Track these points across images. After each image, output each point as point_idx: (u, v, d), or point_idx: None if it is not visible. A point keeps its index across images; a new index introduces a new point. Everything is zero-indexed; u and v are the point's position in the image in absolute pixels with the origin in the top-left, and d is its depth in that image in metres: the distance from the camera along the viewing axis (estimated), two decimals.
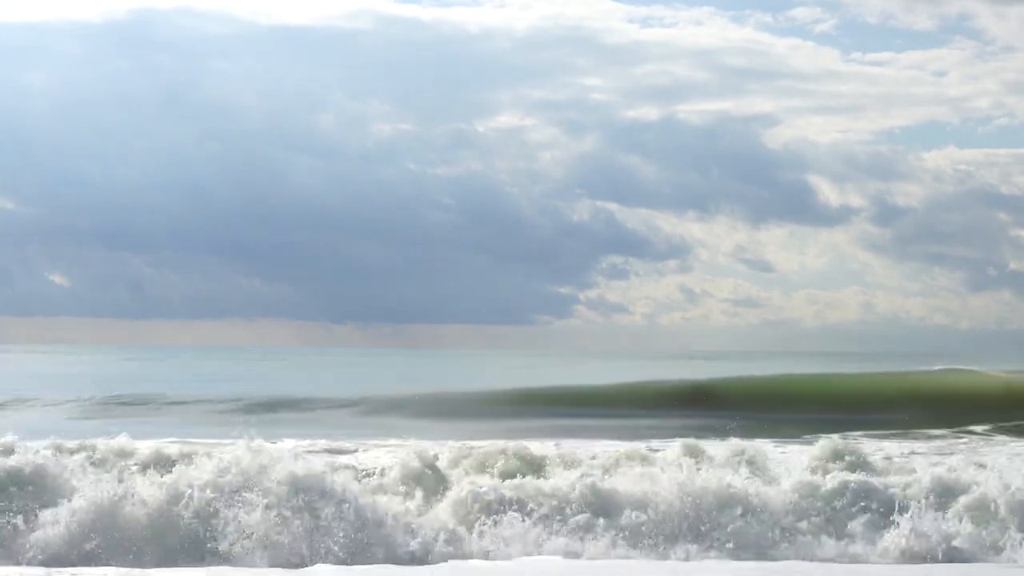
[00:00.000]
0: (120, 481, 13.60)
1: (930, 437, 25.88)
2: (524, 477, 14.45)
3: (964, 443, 24.57)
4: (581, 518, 13.54)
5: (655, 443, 20.03)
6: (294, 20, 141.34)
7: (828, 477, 14.30)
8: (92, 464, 14.78)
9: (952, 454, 20.46)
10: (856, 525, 13.60)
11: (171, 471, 13.82)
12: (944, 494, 14.01)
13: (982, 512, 13.67)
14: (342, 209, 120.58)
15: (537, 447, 16.52)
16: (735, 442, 15.78)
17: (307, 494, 13.07)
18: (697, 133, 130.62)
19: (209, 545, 12.80)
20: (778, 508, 13.66)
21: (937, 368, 36.37)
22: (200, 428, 26.30)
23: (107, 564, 12.48)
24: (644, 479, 14.10)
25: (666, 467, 14.55)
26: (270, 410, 33.03)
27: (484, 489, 13.97)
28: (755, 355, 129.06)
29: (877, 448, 21.10)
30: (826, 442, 16.20)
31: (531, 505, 13.72)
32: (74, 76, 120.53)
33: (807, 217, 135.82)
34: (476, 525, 13.43)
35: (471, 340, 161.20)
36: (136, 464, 15.30)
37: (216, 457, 13.76)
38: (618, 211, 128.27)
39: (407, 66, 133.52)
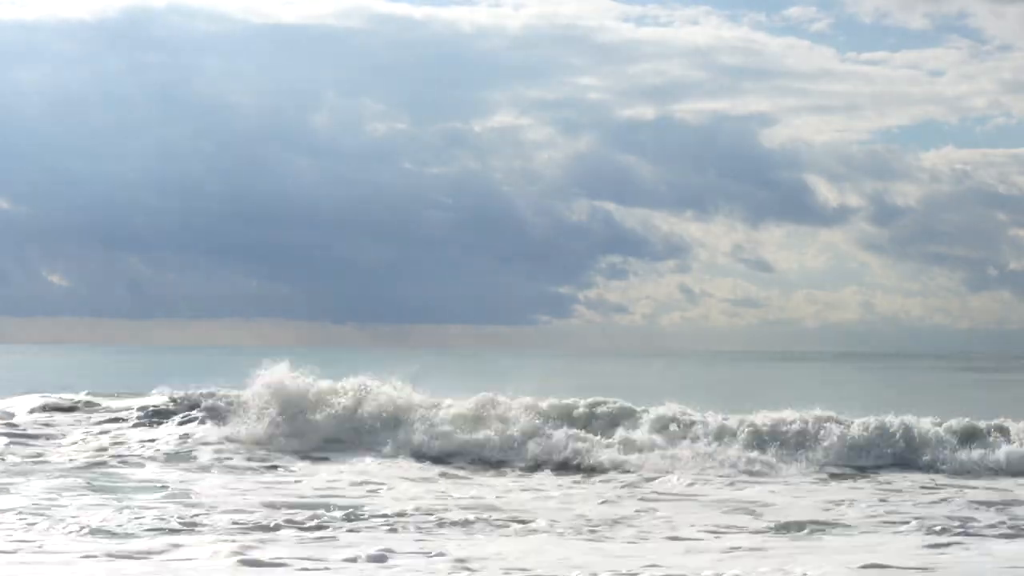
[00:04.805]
0: None
1: None
2: None
3: None
4: None
5: None
6: (287, 19, 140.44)
7: None
8: None
9: None
10: None
11: None
12: None
13: None
14: (338, 208, 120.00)
15: None
16: None
17: None
18: (693, 132, 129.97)
19: None
20: None
21: None
22: None
23: None
24: None
25: None
26: None
27: None
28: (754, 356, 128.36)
29: None
30: None
31: None
32: (68, 75, 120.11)
33: (805, 217, 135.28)
34: None
35: (471, 340, 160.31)
36: None
37: None
38: (615, 211, 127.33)
39: (400, 65, 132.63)
